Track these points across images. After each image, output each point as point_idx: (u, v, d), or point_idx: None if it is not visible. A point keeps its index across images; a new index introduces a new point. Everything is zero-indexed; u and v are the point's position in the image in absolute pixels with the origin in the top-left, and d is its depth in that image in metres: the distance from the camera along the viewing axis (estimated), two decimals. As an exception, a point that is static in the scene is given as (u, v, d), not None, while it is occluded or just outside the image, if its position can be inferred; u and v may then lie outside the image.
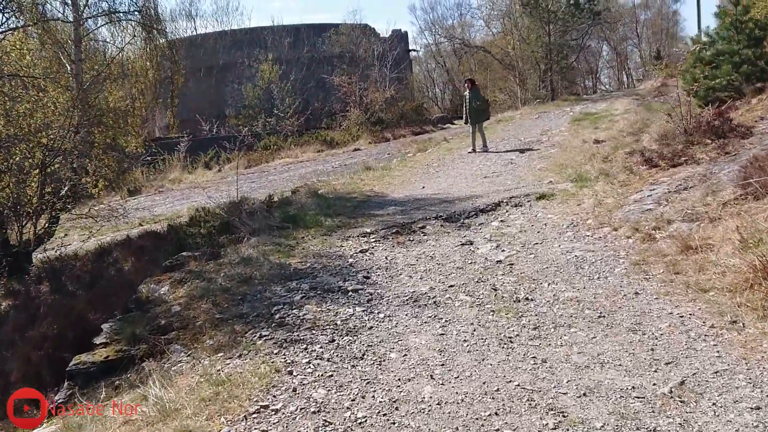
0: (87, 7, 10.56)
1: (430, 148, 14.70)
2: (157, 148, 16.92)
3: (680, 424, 2.95)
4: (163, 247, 7.44)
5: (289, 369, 3.76)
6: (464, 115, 13.01)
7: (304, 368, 3.78)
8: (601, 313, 4.31)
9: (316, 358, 3.91)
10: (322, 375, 3.69)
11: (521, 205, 7.48)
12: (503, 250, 5.93)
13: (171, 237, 8.01)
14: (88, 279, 7.07)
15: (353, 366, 3.81)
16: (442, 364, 3.75)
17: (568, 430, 2.98)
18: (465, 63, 35.22)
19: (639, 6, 41.49)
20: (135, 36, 10.99)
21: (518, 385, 3.43)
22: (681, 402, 3.13)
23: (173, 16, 31.42)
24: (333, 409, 3.31)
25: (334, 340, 4.17)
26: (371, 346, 4.08)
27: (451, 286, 5.09)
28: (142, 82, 11.18)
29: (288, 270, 5.70)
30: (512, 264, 5.53)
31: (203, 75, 25.12)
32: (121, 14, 10.91)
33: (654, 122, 11.13)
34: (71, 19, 10.19)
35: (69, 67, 9.83)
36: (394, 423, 3.14)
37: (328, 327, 4.40)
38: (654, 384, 3.32)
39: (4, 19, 8.60)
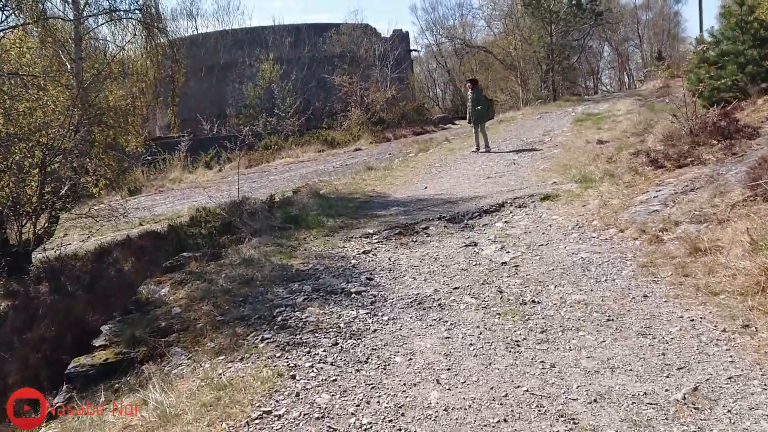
0: (87, 5, 10.55)
1: (432, 148, 14.63)
2: (157, 147, 16.85)
3: (695, 431, 2.88)
4: (163, 248, 7.39)
5: (291, 373, 3.69)
6: (467, 115, 12.98)
7: (307, 372, 3.70)
8: (609, 316, 4.23)
9: (319, 362, 3.83)
10: (325, 379, 3.61)
11: (525, 206, 7.40)
12: (508, 252, 5.85)
13: (171, 237, 7.95)
14: (88, 279, 7.00)
15: (357, 370, 3.73)
16: (449, 369, 3.67)
17: (579, 437, 2.91)
18: (466, 63, 35.14)
19: (640, 7, 41.39)
20: (136, 35, 10.95)
21: (527, 391, 3.35)
22: (695, 409, 3.04)
23: (174, 15, 31.50)
24: (337, 414, 3.24)
25: (337, 344, 4.09)
26: (375, 349, 4.00)
27: (456, 288, 5.01)
28: (143, 81, 11.13)
29: (290, 271, 5.63)
30: (517, 266, 5.45)
31: (204, 74, 25.04)
32: (122, 12, 10.89)
33: (658, 123, 11.04)
34: (71, 17, 10.15)
35: (69, 66, 9.76)
36: (400, 429, 3.07)
37: (331, 330, 4.32)
38: (666, 390, 3.24)
39: (4, 17, 8.53)
